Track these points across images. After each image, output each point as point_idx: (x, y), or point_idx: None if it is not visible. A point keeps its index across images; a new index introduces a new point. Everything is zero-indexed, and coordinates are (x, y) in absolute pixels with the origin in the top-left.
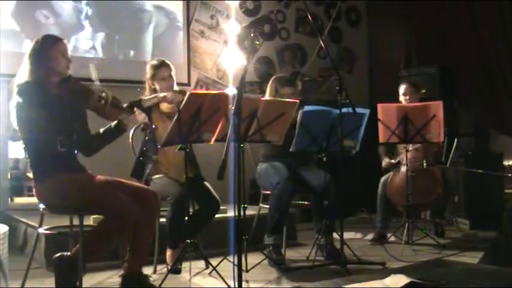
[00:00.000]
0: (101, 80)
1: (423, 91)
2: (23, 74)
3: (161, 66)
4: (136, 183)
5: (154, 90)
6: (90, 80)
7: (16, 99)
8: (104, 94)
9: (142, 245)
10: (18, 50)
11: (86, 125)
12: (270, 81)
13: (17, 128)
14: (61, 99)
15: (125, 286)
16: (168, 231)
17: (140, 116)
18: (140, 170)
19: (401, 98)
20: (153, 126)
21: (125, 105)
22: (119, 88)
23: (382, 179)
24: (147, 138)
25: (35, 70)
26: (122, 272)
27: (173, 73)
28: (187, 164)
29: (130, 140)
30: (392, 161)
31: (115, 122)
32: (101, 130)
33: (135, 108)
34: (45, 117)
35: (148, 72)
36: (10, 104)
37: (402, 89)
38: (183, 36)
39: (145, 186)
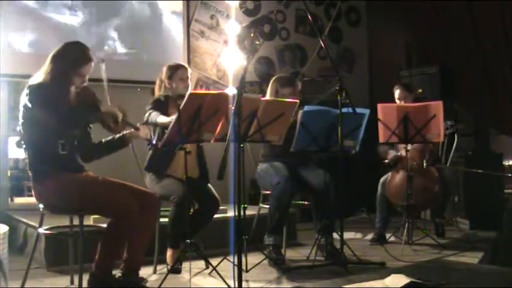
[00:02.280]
0: (100, 80)
1: (420, 90)
2: (41, 72)
3: (180, 68)
4: (138, 186)
5: (167, 90)
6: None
7: (25, 98)
8: (116, 113)
9: (140, 247)
10: (18, 49)
11: (88, 133)
12: (271, 82)
13: (20, 128)
14: (70, 112)
15: (120, 287)
16: (170, 231)
17: (143, 132)
18: (157, 164)
19: (397, 101)
20: (154, 143)
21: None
22: (119, 88)
23: (382, 179)
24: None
25: (52, 74)
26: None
27: (189, 73)
28: (194, 163)
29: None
30: (398, 153)
31: (118, 135)
32: (103, 140)
33: (139, 124)
34: (51, 120)
35: (166, 72)
36: (20, 99)
37: (396, 94)
38: (183, 36)
39: (148, 190)
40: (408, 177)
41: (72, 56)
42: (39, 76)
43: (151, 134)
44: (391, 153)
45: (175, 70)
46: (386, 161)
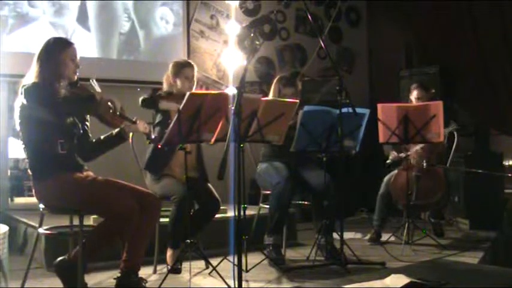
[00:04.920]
0: (100, 80)
1: (433, 91)
2: (31, 74)
3: (187, 66)
4: (139, 187)
5: (172, 87)
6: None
7: (21, 99)
8: (112, 104)
9: (140, 247)
10: (18, 49)
11: (87, 130)
12: (274, 82)
13: (18, 128)
14: (66, 103)
15: (119, 287)
16: (171, 231)
17: (142, 126)
18: (155, 163)
19: (414, 101)
20: (153, 137)
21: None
22: (119, 88)
23: (386, 178)
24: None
25: (42, 72)
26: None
27: (195, 74)
28: (194, 164)
29: (130, 140)
30: (402, 154)
31: (116, 130)
32: (102, 137)
33: (136, 118)
34: (48, 119)
35: (172, 69)
36: (15, 104)
37: (415, 93)
38: (183, 36)
39: (148, 190)
40: (413, 177)
41: (54, 47)
42: (30, 78)
43: (150, 128)
44: (394, 154)
45: (181, 68)
46: (388, 161)
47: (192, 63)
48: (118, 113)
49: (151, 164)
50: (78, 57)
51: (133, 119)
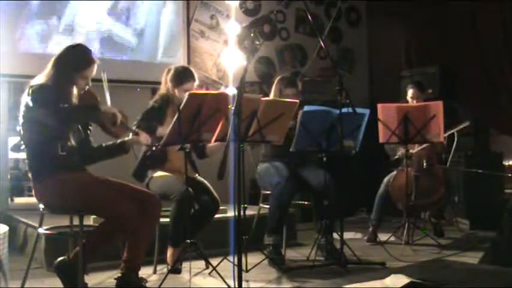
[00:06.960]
0: (100, 80)
1: (429, 91)
2: (43, 75)
3: (189, 80)
4: (139, 187)
5: (170, 93)
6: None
7: (26, 98)
8: (114, 118)
9: (140, 248)
10: (18, 49)
11: (89, 135)
12: (275, 82)
13: (20, 128)
14: (69, 111)
15: (120, 287)
16: (171, 229)
17: (144, 138)
18: (143, 172)
19: (409, 100)
20: (154, 148)
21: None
22: (119, 88)
23: (386, 178)
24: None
25: (53, 76)
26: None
27: (195, 85)
28: (188, 164)
29: None
30: (411, 151)
31: (119, 141)
32: (104, 145)
33: (139, 129)
34: (51, 120)
35: (173, 77)
36: (21, 99)
37: (410, 93)
38: (183, 36)
39: (148, 191)
40: (413, 177)
41: (74, 59)
42: (41, 78)
43: (151, 140)
44: (401, 150)
45: (183, 82)
46: (396, 156)
47: (195, 74)
48: (120, 123)
49: (139, 173)
50: (94, 73)
51: (135, 130)
